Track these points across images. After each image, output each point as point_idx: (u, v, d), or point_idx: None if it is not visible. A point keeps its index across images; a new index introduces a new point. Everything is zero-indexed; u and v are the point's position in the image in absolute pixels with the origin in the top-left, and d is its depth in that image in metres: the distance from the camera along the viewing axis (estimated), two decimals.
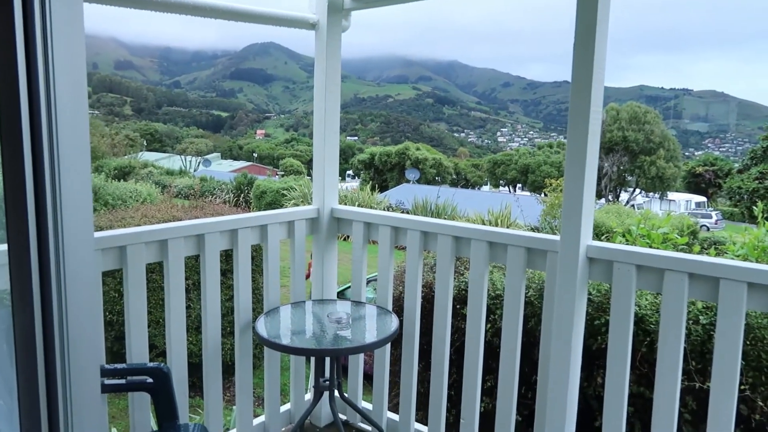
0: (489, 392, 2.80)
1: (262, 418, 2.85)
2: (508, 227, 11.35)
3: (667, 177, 39.76)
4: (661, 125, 41.38)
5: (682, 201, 40.53)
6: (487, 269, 2.42)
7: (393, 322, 2.57)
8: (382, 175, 48.67)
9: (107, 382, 1.87)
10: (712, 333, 2.36)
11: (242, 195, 24.56)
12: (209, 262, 2.49)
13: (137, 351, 2.26)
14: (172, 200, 17.23)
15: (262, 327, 2.49)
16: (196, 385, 3.06)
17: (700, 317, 2.45)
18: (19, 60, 0.88)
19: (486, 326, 2.52)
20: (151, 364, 1.92)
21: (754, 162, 40.56)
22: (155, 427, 2.12)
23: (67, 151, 0.93)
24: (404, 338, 2.70)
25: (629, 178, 40.94)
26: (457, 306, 2.89)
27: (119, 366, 1.88)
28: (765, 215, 3.30)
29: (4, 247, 0.95)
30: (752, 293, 1.77)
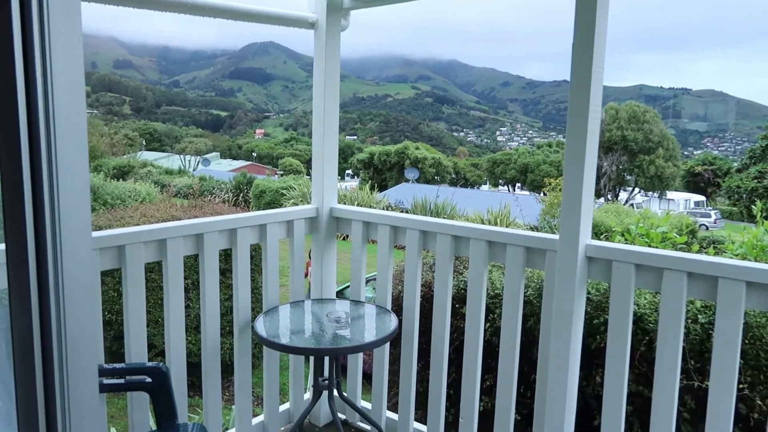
0: (488, 391, 2.81)
1: (261, 418, 2.85)
2: (507, 226, 11.34)
3: (666, 176, 39.81)
4: (660, 124, 41.43)
5: (681, 200, 40.58)
6: (486, 268, 2.42)
7: (392, 322, 2.57)
8: (382, 174, 48.69)
9: (106, 381, 1.87)
10: (710, 332, 2.37)
11: (241, 194, 24.57)
12: (208, 261, 2.49)
13: (136, 350, 2.26)
14: (171, 200, 17.23)
15: (261, 326, 2.49)
16: (195, 385, 3.06)
17: (699, 316, 2.46)
18: (16, 59, 0.87)
19: (485, 325, 2.52)
20: (149, 364, 1.92)
21: (752, 161, 40.59)
22: (154, 427, 2.12)
23: (65, 150, 0.93)
24: (403, 337, 2.70)
25: (628, 177, 40.99)
26: (456, 305, 2.89)
27: (118, 365, 1.88)
28: (764, 214, 3.30)
29: (2, 246, 0.95)
30: (751, 292, 1.77)
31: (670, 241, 3.10)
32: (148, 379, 1.88)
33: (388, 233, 2.71)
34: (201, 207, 7.61)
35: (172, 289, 2.37)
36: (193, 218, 2.53)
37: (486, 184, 58.62)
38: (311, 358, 2.63)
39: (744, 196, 38.25)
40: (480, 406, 2.59)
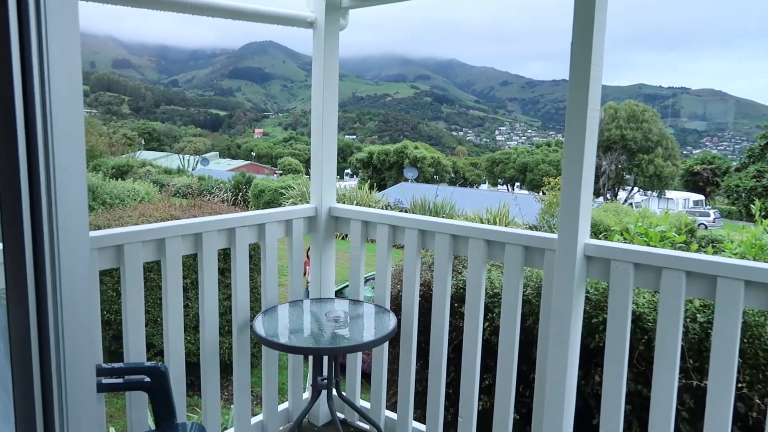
0: (487, 390, 2.81)
1: (260, 417, 2.85)
2: (506, 226, 11.36)
3: (665, 175, 39.83)
4: (659, 124, 41.44)
5: (680, 199, 40.63)
6: (485, 268, 2.41)
7: (391, 321, 2.57)
8: (381, 173, 48.69)
9: (104, 381, 1.87)
10: (709, 331, 2.37)
11: (240, 194, 24.57)
12: (207, 260, 2.49)
13: (135, 350, 2.26)
14: (170, 199, 17.23)
15: (260, 326, 2.49)
16: (194, 384, 3.06)
17: (698, 315, 2.46)
18: (13, 58, 0.87)
19: (484, 325, 2.52)
20: (148, 363, 1.91)
21: (751, 160, 40.62)
22: (153, 426, 2.12)
23: (63, 149, 0.93)
24: (402, 337, 2.70)
25: (627, 176, 40.99)
26: (455, 304, 2.89)
27: (116, 365, 1.88)
28: (762, 213, 3.31)
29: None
30: (749, 291, 1.77)
31: (668, 240, 3.10)
32: (147, 379, 1.88)
33: (387, 232, 2.71)
34: (200, 206, 7.60)
35: (171, 288, 2.37)
36: (191, 218, 2.53)
37: (485, 183, 58.65)
38: (310, 358, 2.63)
39: (743, 195, 38.30)
40: (479, 405, 2.59)
